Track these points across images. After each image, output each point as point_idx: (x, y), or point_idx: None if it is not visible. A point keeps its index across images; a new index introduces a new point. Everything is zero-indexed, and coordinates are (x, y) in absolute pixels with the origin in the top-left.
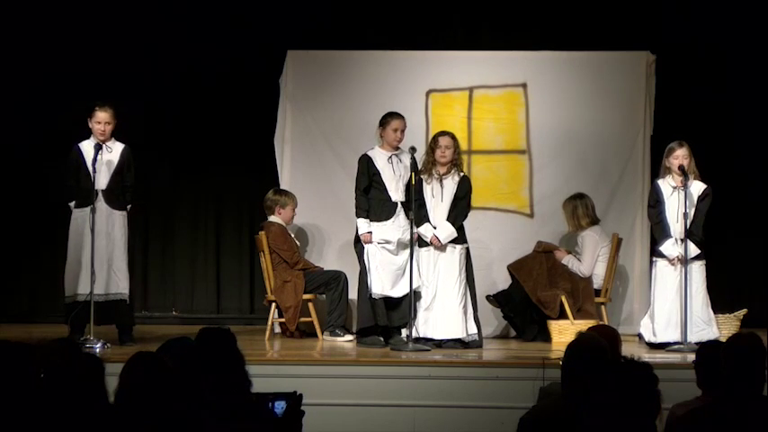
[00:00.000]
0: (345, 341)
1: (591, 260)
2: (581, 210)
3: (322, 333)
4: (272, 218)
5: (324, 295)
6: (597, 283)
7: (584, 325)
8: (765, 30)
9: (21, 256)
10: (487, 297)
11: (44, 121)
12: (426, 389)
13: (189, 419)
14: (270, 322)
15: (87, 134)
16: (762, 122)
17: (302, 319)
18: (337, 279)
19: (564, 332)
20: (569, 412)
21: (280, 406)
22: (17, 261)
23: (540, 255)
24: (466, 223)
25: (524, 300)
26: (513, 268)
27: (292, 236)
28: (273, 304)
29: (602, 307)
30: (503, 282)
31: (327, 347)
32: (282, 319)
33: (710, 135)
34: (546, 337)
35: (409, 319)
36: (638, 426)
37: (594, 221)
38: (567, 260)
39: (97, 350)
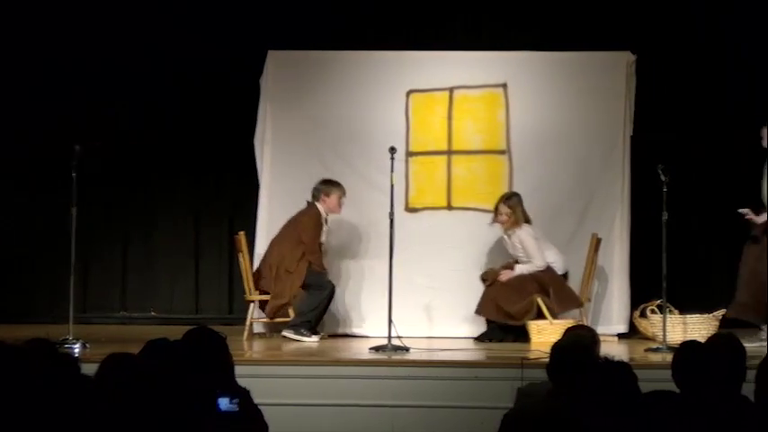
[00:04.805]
0: (312, 342)
1: (538, 251)
2: (520, 208)
3: (284, 330)
4: (316, 203)
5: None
6: (560, 269)
7: (563, 325)
8: (747, 28)
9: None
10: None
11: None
12: (405, 389)
13: (171, 420)
14: (248, 322)
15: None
16: (744, 120)
17: (282, 320)
18: (323, 286)
19: (543, 332)
20: (556, 412)
21: (224, 402)
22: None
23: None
24: (445, 224)
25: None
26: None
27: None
28: (252, 305)
29: (581, 307)
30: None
31: (304, 348)
32: (263, 319)
33: (691, 135)
34: (526, 337)
35: (389, 317)
36: (628, 425)
37: (528, 220)
38: (519, 270)
39: (76, 350)
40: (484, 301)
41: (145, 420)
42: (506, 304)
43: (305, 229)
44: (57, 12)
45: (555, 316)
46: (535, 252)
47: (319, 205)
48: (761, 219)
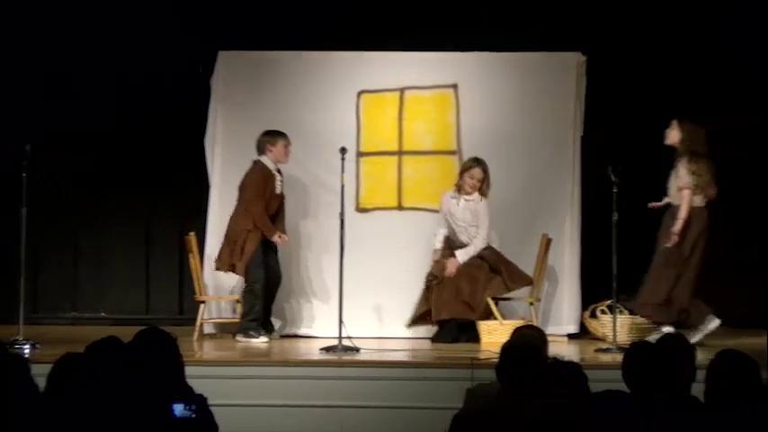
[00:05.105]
0: (261, 342)
1: (487, 229)
2: (489, 178)
3: (235, 335)
4: (261, 157)
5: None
6: (497, 248)
7: (513, 325)
8: (691, 31)
9: None
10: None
11: None
12: (355, 390)
13: (124, 423)
14: (198, 323)
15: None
16: (694, 120)
17: (231, 320)
18: (256, 281)
19: (493, 332)
20: (505, 412)
21: (178, 408)
22: None
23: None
24: (395, 224)
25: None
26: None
27: (277, 191)
28: (202, 305)
29: (531, 307)
30: None
31: (254, 348)
32: (213, 320)
33: (640, 136)
34: (477, 338)
35: (339, 317)
36: (578, 425)
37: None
38: (462, 257)
39: (26, 351)
40: (441, 303)
41: (98, 421)
42: (470, 298)
43: (248, 187)
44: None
45: (510, 289)
46: (486, 228)
47: (266, 158)
48: (675, 228)
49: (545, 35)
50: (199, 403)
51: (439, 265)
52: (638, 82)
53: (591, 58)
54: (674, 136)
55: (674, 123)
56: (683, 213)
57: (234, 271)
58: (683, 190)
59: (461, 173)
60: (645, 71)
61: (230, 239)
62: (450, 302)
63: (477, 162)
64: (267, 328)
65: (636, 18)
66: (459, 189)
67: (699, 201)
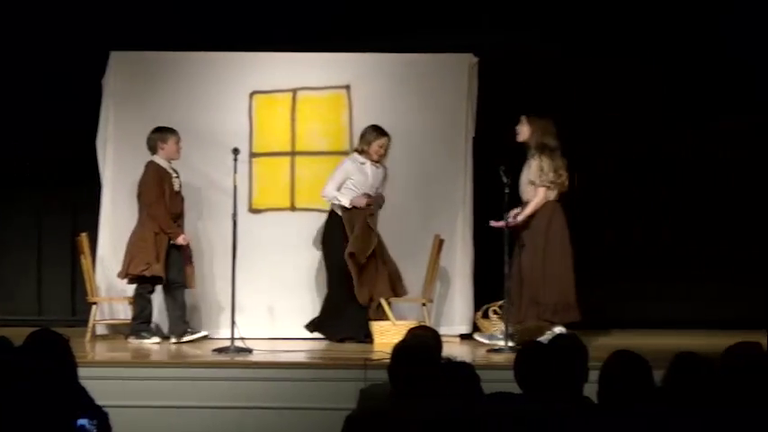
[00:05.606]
0: (152, 343)
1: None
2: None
3: (128, 336)
4: (153, 157)
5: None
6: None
7: (406, 326)
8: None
9: None
10: None
11: None
12: (249, 391)
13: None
14: (91, 324)
15: None
16: (587, 122)
17: (122, 322)
18: (144, 289)
19: (386, 333)
20: (398, 412)
21: (82, 423)
22: None
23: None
24: (288, 225)
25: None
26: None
27: (176, 190)
28: (95, 306)
29: (424, 308)
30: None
31: (146, 350)
32: (105, 321)
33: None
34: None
35: (232, 318)
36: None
37: None
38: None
39: None
40: (377, 282)
41: None
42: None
43: (145, 192)
44: None
45: (396, 296)
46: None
47: (158, 157)
48: (518, 218)
49: (440, 36)
50: (100, 418)
51: (378, 197)
52: (532, 83)
53: (484, 60)
54: (524, 132)
55: (524, 119)
56: (529, 209)
57: (149, 276)
58: (538, 188)
59: (369, 141)
60: (538, 72)
61: (137, 246)
62: (385, 285)
63: (384, 132)
64: (189, 331)
65: (525, 21)
66: (363, 154)
67: (553, 195)
